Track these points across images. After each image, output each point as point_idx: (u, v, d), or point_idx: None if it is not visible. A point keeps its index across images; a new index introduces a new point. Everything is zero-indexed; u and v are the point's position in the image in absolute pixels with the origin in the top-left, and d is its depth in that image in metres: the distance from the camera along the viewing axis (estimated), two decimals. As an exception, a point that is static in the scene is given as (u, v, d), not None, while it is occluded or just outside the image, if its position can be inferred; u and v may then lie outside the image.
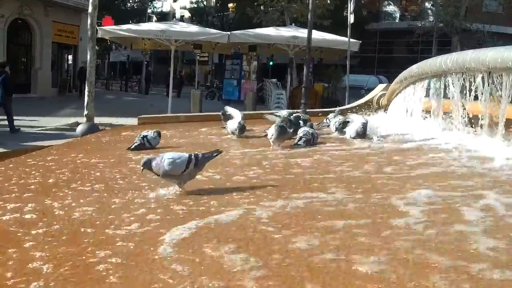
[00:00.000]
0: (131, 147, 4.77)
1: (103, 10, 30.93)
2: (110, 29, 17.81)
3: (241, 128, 5.24)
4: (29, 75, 25.55)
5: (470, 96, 4.73)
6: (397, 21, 38.96)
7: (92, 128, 10.79)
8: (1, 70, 13.41)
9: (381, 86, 8.41)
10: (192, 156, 2.86)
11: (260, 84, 23.69)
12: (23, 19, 25.92)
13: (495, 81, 4.27)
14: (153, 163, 2.84)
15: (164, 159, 2.81)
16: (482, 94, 4.49)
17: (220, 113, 6.09)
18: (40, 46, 26.83)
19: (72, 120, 15.77)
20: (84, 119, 13.39)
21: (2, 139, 11.62)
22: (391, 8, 39.98)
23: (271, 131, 4.46)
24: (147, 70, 38.00)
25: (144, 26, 19.08)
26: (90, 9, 13.43)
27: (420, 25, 32.37)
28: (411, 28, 32.93)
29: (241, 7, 38.17)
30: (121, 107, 21.19)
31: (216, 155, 3.09)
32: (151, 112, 15.66)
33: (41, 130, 14.63)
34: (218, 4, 44.79)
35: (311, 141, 4.63)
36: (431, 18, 32.98)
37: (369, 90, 10.40)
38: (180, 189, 2.85)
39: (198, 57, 21.50)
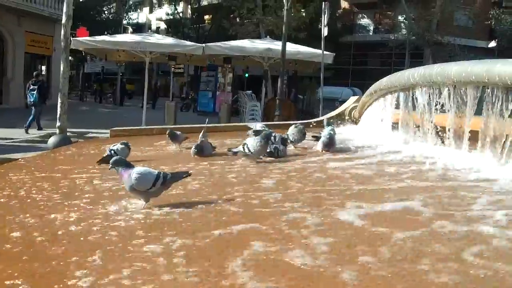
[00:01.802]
0: (101, 160, 4.73)
1: (78, 20, 30.74)
2: (84, 40, 17.72)
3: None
4: (0, 86, 25.16)
5: (437, 109, 4.83)
6: (371, 33, 39.52)
7: (64, 140, 10.65)
8: (38, 80, 16.92)
9: (353, 98, 8.49)
10: (161, 175, 2.86)
11: (235, 96, 23.78)
12: (-5, 29, 25.63)
13: (461, 94, 4.38)
14: (123, 174, 2.84)
15: (133, 172, 2.80)
16: (448, 107, 4.60)
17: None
18: (13, 56, 26.50)
19: (44, 132, 15.59)
20: (56, 131, 13.27)
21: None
22: (365, 21, 40.57)
23: (253, 145, 4.42)
24: (122, 82, 37.77)
25: (119, 38, 19.04)
26: (63, 20, 13.33)
27: (393, 38, 32.92)
28: (385, 41, 33.47)
29: (217, 19, 38.41)
30: (95, 119, 21.02)
31: (185, 177, 3.11)
32: (124, 124, 15.60)
33: (12, 142, 14.40)
34: (194, 16, 44.88)
35: (275, 154, 4.64)
36: (403, 31, 33.57)
37: (343, 101, 10.49)
38: (145, 205, 2.84)
39: (173, 68, 21.47)
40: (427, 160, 4.21)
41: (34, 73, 18.28)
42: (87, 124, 17.85)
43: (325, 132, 5.12)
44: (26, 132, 15.79)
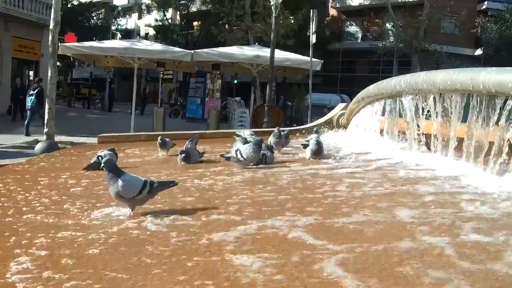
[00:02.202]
0: (87, 167, 4.72)
1: (66, 26, 30.63)
2: (72, 45, 17.61)
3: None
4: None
5: (423, 115, 4.88)
6: (359, 41, 39.75)
7: (52, 147, 10.59)
8: (38, 85, 17.25)
9: (341, 105, 8.54)
10: (148, 183, 2.86)
11: (224, 102, 23.76)
12: (-18, 34, 25.44)
13: (446, 101, 4.43)
14: (110, 179, 2.83)
15: (119, 179, 2.79)
16: (434, 114, 4.65)
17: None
18: (0, 61, 26.29)
19: (31, 138, 15.47)
20: (44, 137, 13.19)
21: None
22: (353, 28, 40.82)
23: (246, 152, 4.43)
24: (110, 88, 37.62)
25: (107, 44, 18.95)
26: (51, 25, 13.28)
27: (381, 45, 33.14)
28: (373, 48, 33.69)
29: (206, 25, 38.42)
30: (83, 125, 20.89)
31: (172, 186, 3.11)
32: (112, 131, 15.54)
33: (-1, 148, 14.28)
34: (183, 22, 44.87)
35: (263, 160, 4.66)
36: (391, 39, 33.84)
37: (332, 108, 10.56)
38: (131, 212, 2.84)
39: (161, 75, 21.43)
40: (412, 167, 4.25)
41: (36, 79, 19.12)
42: (75, 130, 17.75)
43: (312, 140, 5.14)
44: (28, 135, 16.10)
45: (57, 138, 13.61)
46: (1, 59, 26.35)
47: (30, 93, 17.06)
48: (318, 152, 5.04)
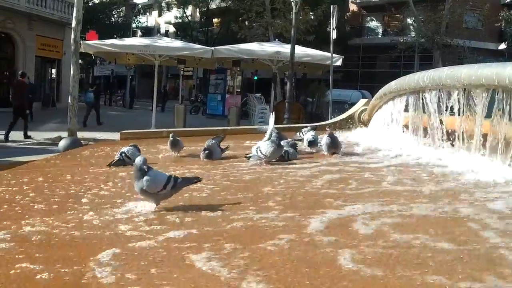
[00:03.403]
0: (111, 163, 4.76)
1: (88, 24, 30.99)
2: (94, 43, 17.78)
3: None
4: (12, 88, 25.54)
5: (447, 111, 4.82)
6: (379, 36, 39.43)
7: (75, 143, 10.72)
8: (95, 83, 21.15)
9: (363, 101, 8.49)
10: (172, 178, 2.87)
11: (244, 99, 23.79)
12: (6, 33, 25.82)
13: (470, 97, 4.37)
14: (135, 174, 2.85)
15: (146, 175, 2.81)
16: (458, 109, 4.59)
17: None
18: (23, 59, 26.71)
19: (55, 134, 15.68)
20: (67, 134, 13.37)
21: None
22: (373, 23, 40.50)
23: (266, 149, 4.44)
24: (131, 85, 37.91)
25: (128, 41, 19.07)
26: (73, 24, 13.44)
27: (402, 40, 32.81)
28: (394, 43, 33.35)
29: (226, 22, 38.41)
30: (105, 121, 21.09)
31: (196, 182, 3.12)
32: (134, 127, 15.66)
33: (24, 144, 14.53)
34: (202, 19, 44.95)
35: (285, 157, 4.67)
36: (412, 34, 33.48)
37: (353, 104, 10.50)
38: (155, 207, 2.86)
39: (182, 71, 21.52)
40: (437, 163, 4.21)
41: (96, 82, 22.36)
42: (97, 127, 17.96)
43: (325, 136, 5.15)
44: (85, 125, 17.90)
45: (80, 134, 13.77)
46: (25, 58, 26.76)
47: (89, 90, 20.04)
48: (335, 147, 5.03)
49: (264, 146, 4.47)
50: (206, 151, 4.91)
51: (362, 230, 2.40)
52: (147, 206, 2.89)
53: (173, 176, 2.92)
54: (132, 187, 3.07)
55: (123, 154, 4.81)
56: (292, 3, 16.01)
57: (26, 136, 15.34)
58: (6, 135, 14.83)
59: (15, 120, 15.33)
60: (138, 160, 2.86)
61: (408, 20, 35.40)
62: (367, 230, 2.39)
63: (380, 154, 5.07)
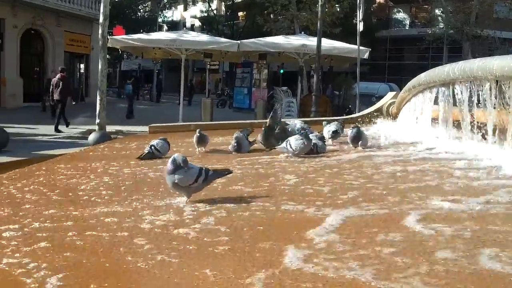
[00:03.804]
0: (141, 156, 4.82)
1: (114, 19, 31.31)
2: (121, 38, 18.00)
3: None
4: (42, 84, 25.93)
5: (478, 104, 4.74)
6: (407, 28, 38.94)
7: (104, 137, 10.90)
8: (132, 75, 22.82)
9: (391, 94, 8.42)
10: (203, 171, 2.89)
11: (270, 92, 23.78)
12: (36, 29, 26.30)
13: (503, 89, 4.29)
14: (168, 167, 2.88)
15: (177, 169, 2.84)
16: (490, 102, 4.51)
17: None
18: (53, 55, 27.22)
19: (84, 128, 15.96)
20: (96, 128, 13.58)
21: (11, 147, 11.80)
22: (400, 15, 39.99)
23: (295, 143, 4.46)
24: (158, 79, 38.22)
25: (155, 36, 19.26)
26: (101, 19, 13.63)
27: (430, 32, 32.31)
28: (421, 35, 32.89)
29: (251, 15, 38.40)
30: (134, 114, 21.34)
31: (227, 174, 3.13)
32: (161, 121, 15.80)
33: (54, 138, 14.81)
34: (228, 13, 45.08)
35: (314, 150, 4.67)
36: (441, 25, 32.94)
37: (380, 97, 10.44)
38: (187, 200, 2.89)
39: (208, 65, 21.62)
40: (470, 157, 4.15)
41: (133, 74, 24.43)
42: (125, 121, 18.19)
43: (353, 129, 5.14)
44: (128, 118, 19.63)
45: (108, 128, 13.97)
46: (54, 53, 27.24)
47: (127, 82, 22.29)
48: (357, 139, 5.02)
49: (293, 140, 4.47)
50: (235, 144, 4.94)
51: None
52: (180, 199, 2.93)
53: (204, 168, 2.94)
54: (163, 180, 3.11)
55: (152, 147, 4.87)
56: (318, -5, 15.92)
57: (57, 130, 15.98)
58: (56, 127, 16.10)
59: (62, 111, 16.47)
60: (178, 157, 2.88)
61: (436, 11, 34.84)
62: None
63: (410, 148, 5.03)
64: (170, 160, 2.89)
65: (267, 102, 20.33)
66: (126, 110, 21.18)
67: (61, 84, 16.54)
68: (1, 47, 24.51)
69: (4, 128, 12.53)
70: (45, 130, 16.11)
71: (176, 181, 2.83)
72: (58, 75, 16.93)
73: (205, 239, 2.20)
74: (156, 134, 6.74)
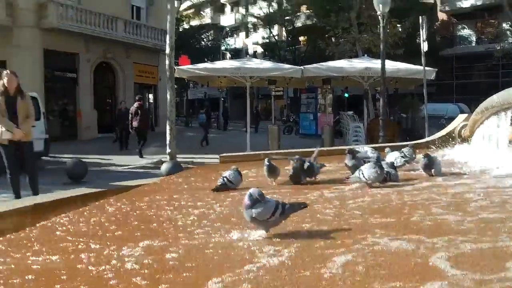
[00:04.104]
0: (215, 188, 4.92)
1: (179, 49, 32.37)
2: (187, 68, 18.53)
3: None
4: (114, 115, 27.14)
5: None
6: (473, 44, 37.83)
7: (176, 167, 11.20)
8: (204, 105, 23.45)
9: (462, 116, 8.20)
10: (279, 205, 2.95)
11: (336, 117, 23.67)
12: (107, 62, 27.60)
13: None
14: (245, 202, 2.94)
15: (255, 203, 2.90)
16: None
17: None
18: (123, 87, 28.44)
19: (155, 158, 16.48)
20: (167, 157, 14.02)
21: (89, 177, 12.38)
22: (465, 32, 38.92)
23: (368, 172, 4.44)
24: (224, 106, 38.95)
25: (219, 64, 19.69)
26: (167, 51, 14.16)
27: (498, 47, 31.26)
28: (489, 51, 31.89)
29: (312, 39, 38.59)
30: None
31: (303, 208, 3.16)
32: (229, 149, 16.09)
33: (127, 168, 15.38)
34: (289, 38, 45.48)
35: (387, 179, 4.61)
36: (510, 40, 31.83)
37: (449, 119, 10.18)
38: (265, 234, 2.95)
39: (273, 92, 21.87)
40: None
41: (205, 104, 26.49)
42: (194, 150, 18.61)
43: (425, 156, 5.03)
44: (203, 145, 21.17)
45: (179, 157, 14.38)
46: (124, 85, 28.44)
47: (200, 111, 23.21)
48: (430, 166, 4.92)
49: (366, 169, 4.45)
50: (305, 168, 4.91)
51: None
52: (258, 232, 2.99)
53: (281, 202, 3.00)
54: (239, 213, 3.19)
55: (225, 179, 4.96)
56: (379, 17, 15.82)
57: (141, 156, 17.28)
58: (140, 152, 17.37)
59: (140, 140, 17.59)
60: (255, 192, 2.96)
61: (504, 25, 33.70)
62: None
63: (489, 174, 4.89)
64: (247, 195, 2.96)
65: (333, 127, 20.24)
66: (194, 139, 21.77)
67: (139, 112, 17.44)
68: (76, 81, 25.88)
69: (82, 159, 13.19)
70: (119, 160, 16.79)
71: (253, 216, 2.90)
72: (136, 104, 17.77)
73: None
74: (227, 164, 6.86)
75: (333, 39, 31.69)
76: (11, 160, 8.13)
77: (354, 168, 4.80)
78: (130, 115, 17.75)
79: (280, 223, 3.02)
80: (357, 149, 6.26)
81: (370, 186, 4.46)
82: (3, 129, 7.88)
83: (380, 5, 15.33)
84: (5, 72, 8.03)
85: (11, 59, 22.88)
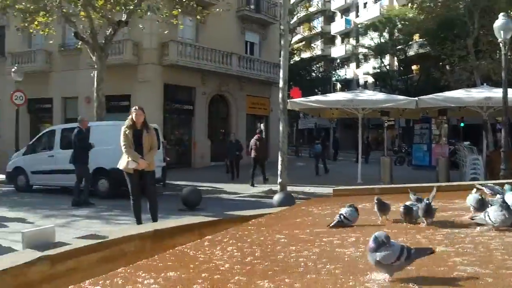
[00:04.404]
0: (331, 225, 4.91)
1: (290, 81, 32.90)
2: (300, 101, 18.76)
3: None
4: (225, 145, 28.18)
5: None
6: None
7: (288, 199, 11.31)
8: (320, 135, 24.41)
9: None
10: (405, 249, 2.88)
11: (452, 148, 22.66)
12: (221, 95, 28.74)
13: None
14: (370, 245, 2.91)
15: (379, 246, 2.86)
16: None
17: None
18: (236, 118, 29.40)
19: (266, 187, 16.76)
20: (277, 187, 14.21)
21: (203, 204, 12.84)
22: None
23: (494, 215, 4.17)
24: (334, 137, 38.83)
25: (332, 97, 19.76)
26: (281, 84, 14.51)
27: None
28: None
29: (425, 68, 37.51)
30: (312, 174, 21.86)
31: (429, 254, 3.04)
32: (340, 180, 15.97)
33: (239, 197, 15.78)
34: (401, 68, 44.52)
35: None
36: None
37: None
38: (389, 278, 2.89)
39: (386, 123, 21.50)
40: None
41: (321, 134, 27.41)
42: (304, 180, 18.68)
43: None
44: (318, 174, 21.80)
45: (289, 188, 14.52)
46: (237, 116, 29.41)
47: (316, 142, 23.66)
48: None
49: (492, 211, 4.21)
50: (424, 209, 4.71)
51: None
52: (382, 276, 2.94)
53: (406, 246, 2.94)
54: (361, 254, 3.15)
55: (342, 216, 4.94)
56: (500, 44, 15.06)
57: (265, 181, 18.19)
58: (264, 178, 18.42)
59: (255, 168, 18.30)
60: (380, 235, 2.93)
61: None
62: None
63: None
64: (372, 238, 2.93)
65: (448, 159, 19.39)
66: (304, 169, 21.90)
67: (258, 144, 18.28)
68: (192, 113, 27.19)
69: (196, 187, 13.75)
70: (230, 188, 17.31)
71: (377, 259, 2.86)
72: (256, 136, 18.66)
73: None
74: (340, 198, 6.81)
75: (447, 67, 30.62)
76: (134, 187, 8.72)
77: (480, 207, 4.55)
78: (249, 147, 18.67)
79: (404, 268, 2.95)
80: (478, 186, 5.94)
81: (496, 229, 4.22)
82: (129, 159, 8.47)
83: (502, 32, 14.63)
84: (134, 108, 8.69)
85: (135, 93, 24.75)
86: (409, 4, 33.48)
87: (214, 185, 17.75)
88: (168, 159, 18.34)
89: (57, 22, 21.82)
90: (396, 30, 40.77)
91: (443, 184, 10.39)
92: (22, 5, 18.28)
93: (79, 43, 20.60)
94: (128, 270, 3.03)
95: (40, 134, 17.95)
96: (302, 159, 35.70)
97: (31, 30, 19.93)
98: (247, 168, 19.16)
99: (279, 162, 14.28)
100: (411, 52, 42.17)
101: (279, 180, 14.14)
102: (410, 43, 41.04)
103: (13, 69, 22.78)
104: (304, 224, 5.57)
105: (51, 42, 25.01)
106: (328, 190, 8.06)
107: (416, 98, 17.03)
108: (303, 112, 36.87)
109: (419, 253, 3.02)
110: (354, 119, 19.40)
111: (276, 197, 11.93)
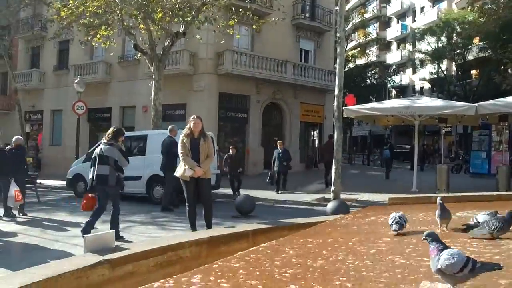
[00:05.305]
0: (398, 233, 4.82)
1: (345, 88, 32.57)
2: (355, 108, 18.56)
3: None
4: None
5: None
6: None
7: (342, 207, 11.22)
8: (388, 142, 26.91)
9: None
10: (470, 261, 2.80)
11: (513, 156, 21.85)
12: (275, 102, 28.81)
13: None
14: (432, 252, 2.86)
15: (442, 253, 2.81)
16: None
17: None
18: (290, 125, 29.39)
19: (318, 195, 16.68)
20: (330, 195, 14.11)
21: (255, 211, 12.87)
22: None
23: None
24: (390, 144, 38.20)
25: (388, 104, 19.40)
26: (336, 92, 14.44)
27: None
28: None
29: (486, 73, 36.32)
30: (365, 182, 21.58)
31: (496, 269, 2.89)
32: (394, 188, 15.68)
33: (291, 205, 15.77)
34: (459, 73, 43.19)
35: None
36: None
37: None
38: (452, 288, 2.83)
39: (443, 130, 20.94)
40: None
41: (388, 140, 29.43)
42: (357, 187, 18.47)
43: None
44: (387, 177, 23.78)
45: (342, 195, 14.39)
46: (291, 124, 29.41)
47: (384, 148, 24.53)
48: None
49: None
50: (500, 223, 4.43)
51: None
52: (443, 286, 2.89)
53: (471, 259, 2.85)
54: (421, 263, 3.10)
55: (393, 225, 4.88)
56: None
57: (327, 186, 18.26)
58: (278, 188, 18.54)
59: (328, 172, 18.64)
60: (427, 234, 2.90)
61: None
62: None
63: None
64: (435, 245, 2.89)
65: (510, 167, 18.65)
66: (357, 176, 21.64)
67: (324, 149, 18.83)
68: (247, 121, 27.40)
69: (250, 195, 13.81)
70: (282, 195, 17.35)
71: (440, 267, 2.81)
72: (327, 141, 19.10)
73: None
74: (395, 206, 6.72)
75: (510, 71, 29.57)
76: (190, 194, 8.90)
77: None
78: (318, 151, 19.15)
79: (468, 280, 2.87)
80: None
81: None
82: (186, 167, 8.64)
83: None
84: (192, 117, 8.88)
85: (191, 102, 25.26)
86: (469, 7, 32.64)
87: (265, 193, 17.80)
88: (241, 169, 18.74)
89: (118, 34, 22.58)
90: (454, 34, 39.67)
91: (504, 193, 10.05)
92: (86, 20, 18.98)
93: (138, 55, 21.17)
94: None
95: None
96: (355, 167, 35.28)
97: (93, 43, 20.64)
98: (307, 173, 19.06)
99: (333, 170, 14.18)
100: (470, 57, 40.85)
101: (333, 188, 14.03)
102: (470, 47, 39.82)
103: (75, 80, 23.75)
104: (360, 232, 5.52)
105: (111, 54, 25.94)
106: (382, 198, 7.95)
107: (476, 104, 16.51)
108: (358, 119, 36.44)
109: (485, 268, 2.91)
110: (409, 125, 18.97)
111: (330, 205, 11.83)
